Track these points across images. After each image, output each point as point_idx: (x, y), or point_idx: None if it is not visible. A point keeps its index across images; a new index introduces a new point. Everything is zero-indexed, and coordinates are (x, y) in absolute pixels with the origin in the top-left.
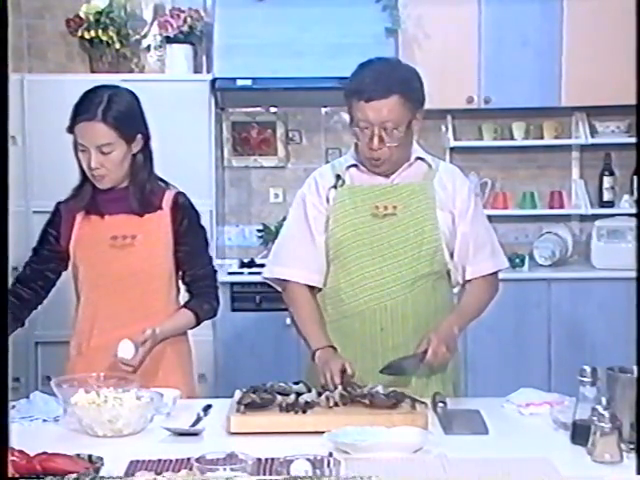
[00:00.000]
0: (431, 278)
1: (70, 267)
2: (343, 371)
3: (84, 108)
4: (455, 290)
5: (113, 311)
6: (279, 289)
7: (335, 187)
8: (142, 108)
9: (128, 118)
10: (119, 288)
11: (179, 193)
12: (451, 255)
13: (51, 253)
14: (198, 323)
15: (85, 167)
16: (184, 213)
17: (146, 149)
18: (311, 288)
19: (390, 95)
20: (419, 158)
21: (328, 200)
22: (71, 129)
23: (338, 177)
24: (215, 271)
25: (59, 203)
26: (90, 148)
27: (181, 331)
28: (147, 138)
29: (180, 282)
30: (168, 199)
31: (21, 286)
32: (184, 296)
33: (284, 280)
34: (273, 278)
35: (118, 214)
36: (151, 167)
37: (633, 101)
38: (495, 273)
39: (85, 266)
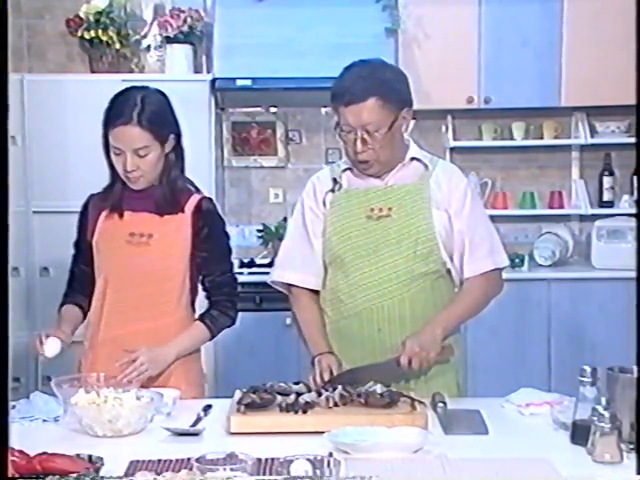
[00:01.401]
0: (429, 278)
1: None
2: (331, 371)
3: (118, 112)
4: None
5: (121, 307)
6: (286, 292)
7: (332, 191)
8: (172, 107)
9: (162, 119)
10: (130, 285)
11: (204, 198)
12: (451, 254)
13: (86, 250)
14: (213, 336)
15: (120, 170)
16: (206, 218)
17: (178, 147)
18: (314, 292)
19: (368, 98)
20: (414, 158)
21: (325, 204)
22: (105, 134)
23: (335, 181)
24: (235, 279)
25: (91, 196)
26: (126, 151)
27: (196, 346)
28: (179, 137)
29: (200, 286)
30: (192, 203)
31: (76, 282)
32: (201, 301)
33: (289, 284)
34: (275, 281)
35: (141, 212)
36: (182, 165)
37: (633, 101)
38: (495, 271)
39: (102, 260)
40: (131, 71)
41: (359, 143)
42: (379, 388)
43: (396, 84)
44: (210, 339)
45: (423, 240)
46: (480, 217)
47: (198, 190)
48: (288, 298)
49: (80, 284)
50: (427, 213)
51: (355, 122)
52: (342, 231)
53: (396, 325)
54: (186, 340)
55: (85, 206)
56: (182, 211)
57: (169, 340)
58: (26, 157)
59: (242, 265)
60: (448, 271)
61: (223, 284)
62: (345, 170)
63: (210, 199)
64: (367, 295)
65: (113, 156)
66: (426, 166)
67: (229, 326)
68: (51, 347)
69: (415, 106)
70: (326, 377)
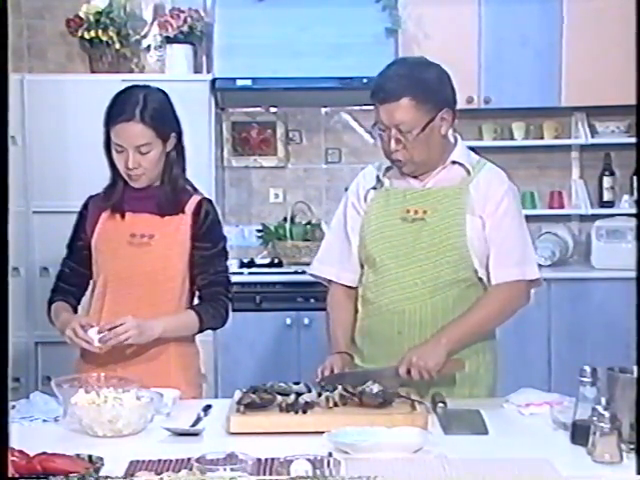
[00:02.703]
0: (457, 286)
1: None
2: (332, 370)
3: (120, 109)
4: None
5: (120, 307)
6: (327, 286)
7: (375, 188)
8: (173, 106)
9: (163, 116)
10: (130, 285)
11: (204, 199)
12: (484, 262)
13: (82, 250)
14: (201, 327)
15: (121, 167)
16: (205, 219)
17: (179, 146)
18: (351, 288)
19: (401, 98)
20: (456, 162)
21: (366, 200)
22: (107, 131)
23: (378, 179)
24: (229, 281)
25: (90, 197)
26: (128, 149)
27: (183, 332)
28: (180, 136)
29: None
30: (192, 204)
31: (63, 284)
32: (197, 302)
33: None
34: (314, 274)
35: (141, 213)
36: (183, 164)
37: (633, 101)
38: (522, 282)
39: (102, 260)
40: (131, 71)
41: (392, 142)
42: (375, 388)
43: (434, 84)
44: (198, 330)
45: (453, 247)
46: (514, 225)
47: (197, 191)
48: (288, 298)
49: (69, 284)
50: (461, 219)
51: (388, 121)
52: (376, 230)
53: (416, 330)
54: (173, 320)
55: (85, 207)
56: (182, 212)
57: (169, 339)
58: (26, 157)
59: (242, 265)
60: (480, 280)
61: (216, 283)
62: (389, 168)
63: (209, 200)
64: (390, 297)
65: (115, 154)
66: (468, 171)
67: (217, 326)
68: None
69: None
70: (326, 373)
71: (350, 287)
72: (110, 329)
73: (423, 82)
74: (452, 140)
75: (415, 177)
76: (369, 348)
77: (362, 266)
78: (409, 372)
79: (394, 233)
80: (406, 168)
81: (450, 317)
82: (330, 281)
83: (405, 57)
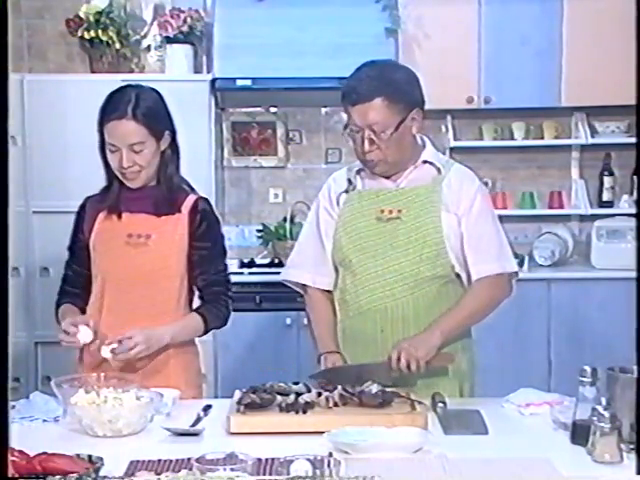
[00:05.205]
0: (436, 282)
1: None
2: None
3: (113, 107)
4: None
5: (119, 307)
6: (300, 291)
7: (346, 191)
8: (166, 104)
9: (156, 115)
10: (128, 285)
11: (200, 198)
12: (460, 258)
13: (82, 251)
14: (207, 329)
15: (116, 167)
16: (202, 218)
17: (173, 145)
18: (328, 291)
19: (374, 98)
20: (427, 162)
21: (339, 204)
22: (101, 130)
23: (350, 182)
24: (228, 280)
25: (87, 198)
26: (121, 147)
27: (190, 336)
28: (174, 134)
29: (194, 287)
30: (188, 203)
31: (68, 287)
32: (197, 302)
33: (303, 283)
34: (288, 280)
35: (138, 213)
36: (178, 163)
37: (633, 101)
38: (503, 275)
39: (99, 261)
40: (131, 71)
41: (366, 143)
42: (375, 388)
43: (405, 85)
44: (203, 332)
45: (430, 243)
46: (489, 221)
47: (193, 190)
48: (288, 298)
49: (74, 287)
50: (436, 216)
51: (361, 122)
52: (352, 232)
53: (399, 327)
54: (180, 327)
55: (82, 207)
56: (179, 211)
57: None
58: (26, 157)
59: (242, 265)
60: (458, 276)
61: (216, 282)
62: (360, 171)
63: (206, 199)
64: (371, 296)
65: (109, 154)
66: (439, 170)
67: (220, 326)
68: (84, 334)
69: None
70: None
71: (327, 290)
72: (120, 341)
73: (394, 83)
74: (420, 141)
75: (387, 177)
76: (352, 349)
77: (336, 270)
78: (399, 360)
79: (370, 233)
80: (378, 169)
81: (431, 313)
82: (304, 286)
83: (374, 60)
